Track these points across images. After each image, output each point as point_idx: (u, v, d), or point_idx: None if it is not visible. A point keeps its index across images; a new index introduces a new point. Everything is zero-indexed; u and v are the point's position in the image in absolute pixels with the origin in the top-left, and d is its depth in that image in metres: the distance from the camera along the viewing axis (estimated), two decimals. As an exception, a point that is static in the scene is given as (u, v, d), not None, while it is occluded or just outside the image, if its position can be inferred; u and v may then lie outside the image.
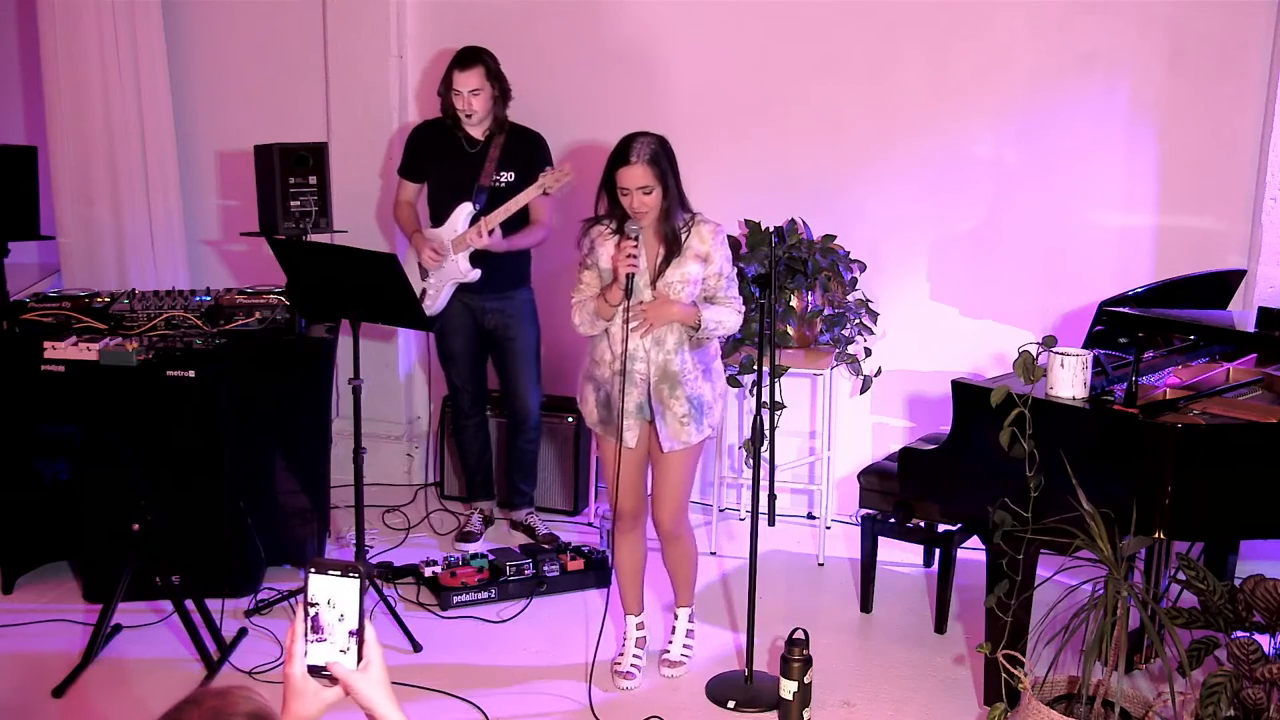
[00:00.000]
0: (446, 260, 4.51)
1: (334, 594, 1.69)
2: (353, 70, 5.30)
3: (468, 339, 4.70)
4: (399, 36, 5.27)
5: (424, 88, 5.31)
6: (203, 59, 5.55)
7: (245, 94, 5.52)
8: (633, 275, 3.39)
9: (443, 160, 4.56)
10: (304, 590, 1.70)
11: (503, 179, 4.52)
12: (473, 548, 4.67)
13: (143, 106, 5.33)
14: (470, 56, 4.44)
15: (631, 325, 3.42)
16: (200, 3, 5.51)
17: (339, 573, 1.69)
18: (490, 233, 4.38)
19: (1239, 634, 2.95)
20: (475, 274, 4.51)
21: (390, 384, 5.46)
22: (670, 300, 3.43)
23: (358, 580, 1.68)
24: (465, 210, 4.49)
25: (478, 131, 4.53)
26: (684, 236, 3.46)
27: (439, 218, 4.57)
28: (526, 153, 4.54)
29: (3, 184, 4.24)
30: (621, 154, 3.41)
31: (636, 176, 3.39)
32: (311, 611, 1.69)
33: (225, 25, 5.51)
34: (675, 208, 3.45)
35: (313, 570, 1.69)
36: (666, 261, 3.46)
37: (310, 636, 1.69)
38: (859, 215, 4.84)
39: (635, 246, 3.40)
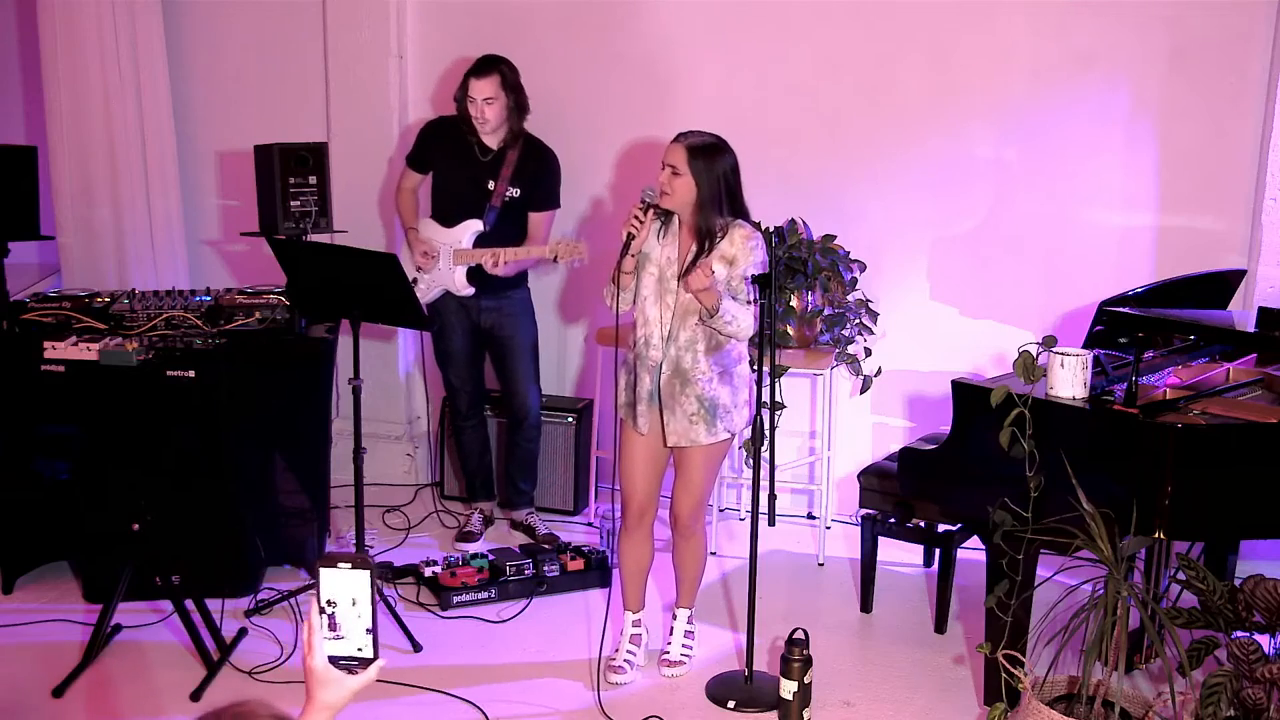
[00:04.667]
0: (443, 267, 4.51)
1: (349, 589, 1.72)
2: (353, 70, 5.29)
3: (464, 338, 4.69)
4: (399, 36, 5.27)
5: (424, 88, 5.32)
6: (203, 59, 5.55)
7: (245, 94, 5.52)
8: (631, 236, 3.46)
9: (453, 162, 4.55)
10: (317, 585, 1.72)
11: (510, 195, 4.51)
12: (473, 548, 4.67)
13: (143, 106, 5.33)
14: (486, 65, 4.42)
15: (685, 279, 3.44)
16: (200, 3, 5.51)
17: (349, 565, 1.72)
18: (505, 263, 4.40)
19: (1239, 634, 2.95)
20: (469, 290, 4.53)
21: (390, 384, 5.46)
22: (710, 278, 3.42)
23: (368, 571, 1.71)
24: (473, 228, 4.49)
25: (492, 141, 4.50)
26: (718, 239, 3.48)
27: (444, 217, 4.56)
28: (535, 171, 4.53)
29: (3, 184, 4.23)
30: (679, 133, 3.51)
31: (670, 153, 3.49)
32: (329, 610, 1.71)
33: (225, 25, 5.51)
34: (711, 210, 3.47)
35: (323, 565, 1.72)
36: (695, 258, 3.48)
37: (328, 635, 1.71)
38: (859, 215, 4.84)
39: (643, 211, 3.46)
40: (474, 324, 4.67)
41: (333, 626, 1.72)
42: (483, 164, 4.51)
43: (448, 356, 4.75)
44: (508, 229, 4.48)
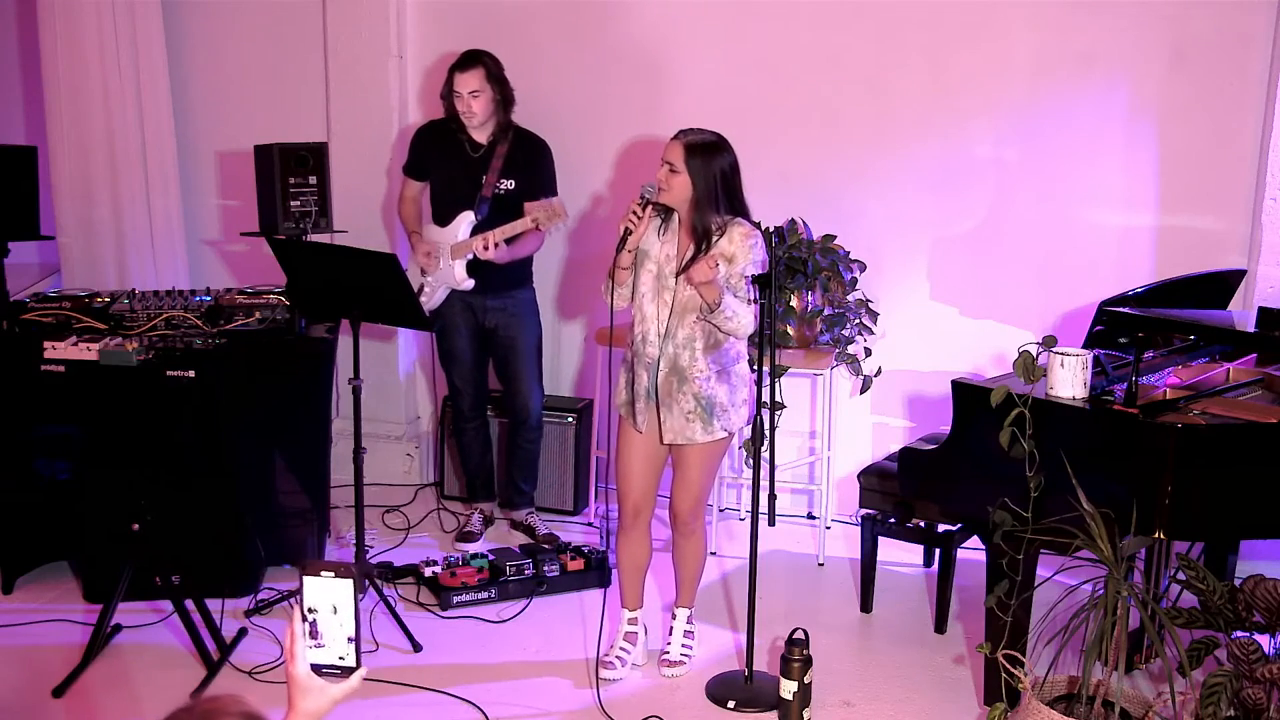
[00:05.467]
0: (444, 265, 4.51)
1: (330, 597, 1.72)
2: (353, 70, 5.29)
3: (468, 339, 4.69)
4: (399, 37, 5.27)
5: (424, 88, 5.32)
6: (203, 59, 5.54)
7: (245, 94, 5.52)
8: (628, 231, 3.48)
9: (446, 162, 4.56)
10: (300, 593, 1.72)
11: (503, 187, 4.51)
12: (473, 548, 4.67)
13: (143, 106, 5.33)
14: (470, 59, 4.44)
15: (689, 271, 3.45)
16: (200, 3, 5.50)
17: (333, 574, 1.72)
18: (496, 246, 4.39)
19: (1239, 634, 2.95)
20: (470, 283, 4.52)
21: (390, 384, 5.46)
22: (715, 270, 3.42)
23: (351, 581, 1.71)
24: (467, 219, 4.49)
25: (481, 135, 4.51)
26: (715, 237, 3.49)
27: (442, 218, 4.56)
28: (528, 161, 4.53)
29: (3, 184, 4.23)
30: (679, 130, 3.53)
31: (668, 150, 3.50)
32: (310, 618, 1.71)
33: (225, 25, 5.51)
34: (708, 207, 3.47)
35: (307, 573, 1.72)
36: (694, 257, 3.48)
37: (309, 643, 1.71)
38: (859, 215, 4.84)
39: (641, 207, 3.48)
40: (479, 325, 4.67)
41: (314, 634, 1.72)
42: (474, 160, 4.52)
43: (452, 358, 4.75)
44: (503, 220, 4.47)
